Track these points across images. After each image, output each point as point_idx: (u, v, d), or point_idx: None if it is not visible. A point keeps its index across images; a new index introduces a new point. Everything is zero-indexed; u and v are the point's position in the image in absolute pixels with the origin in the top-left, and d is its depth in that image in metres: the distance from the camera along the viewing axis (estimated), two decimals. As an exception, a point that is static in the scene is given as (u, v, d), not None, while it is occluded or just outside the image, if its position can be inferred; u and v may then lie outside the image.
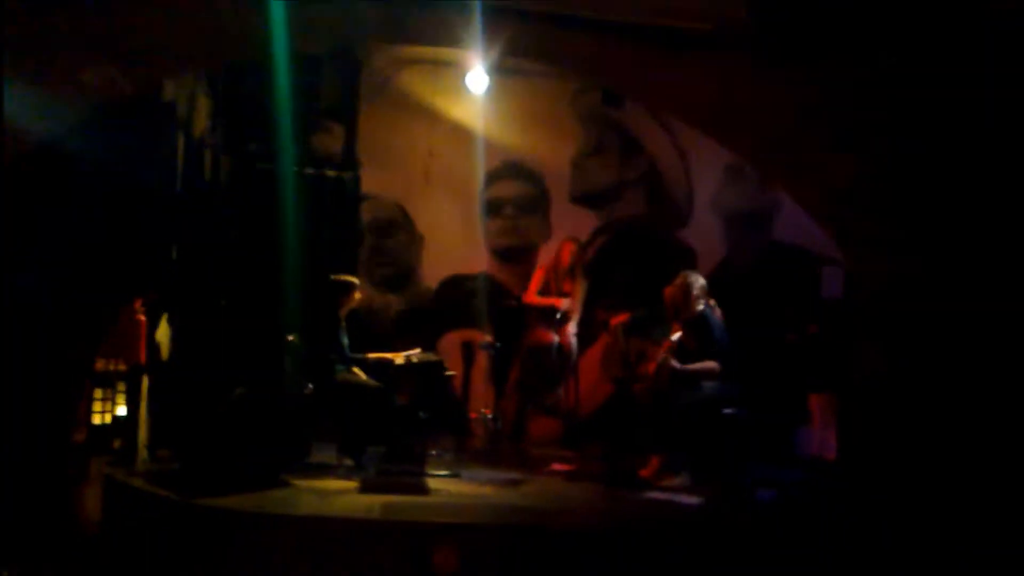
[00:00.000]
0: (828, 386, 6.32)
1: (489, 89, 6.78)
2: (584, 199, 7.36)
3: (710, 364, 5.45)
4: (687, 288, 5.63)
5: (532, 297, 6.43)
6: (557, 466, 5.87)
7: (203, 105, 6.38)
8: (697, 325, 5.57)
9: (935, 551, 4.26)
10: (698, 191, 7.34)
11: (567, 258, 6.44)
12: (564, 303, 6.34)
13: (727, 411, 5.47)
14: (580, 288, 6.49)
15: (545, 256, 6.77)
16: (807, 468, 5.37)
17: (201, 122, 6.36)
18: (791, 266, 7.17)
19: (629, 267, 7.13)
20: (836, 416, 5.97)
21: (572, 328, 6.40)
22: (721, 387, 5.48)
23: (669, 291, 6.08)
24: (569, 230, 7.09)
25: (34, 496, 4.65)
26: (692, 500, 5.09)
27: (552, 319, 6.37)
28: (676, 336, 5.54)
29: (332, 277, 5.68)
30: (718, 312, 5.61)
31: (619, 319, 6.48)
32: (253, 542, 4.25)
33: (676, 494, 5.19)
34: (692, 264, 7.03)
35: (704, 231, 7.32)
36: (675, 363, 5.47)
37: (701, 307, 5.62)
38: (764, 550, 4.41)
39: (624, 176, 7.41)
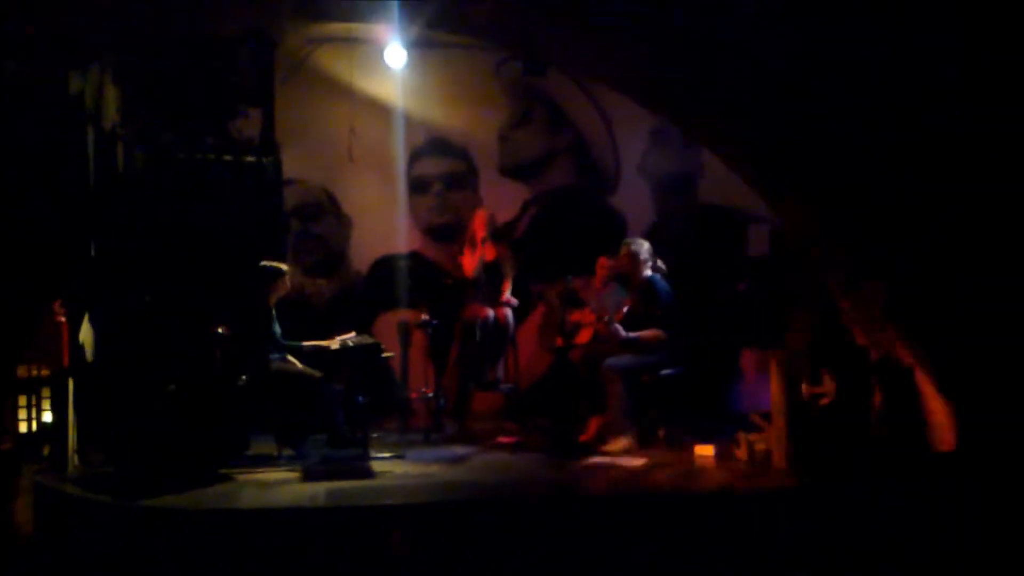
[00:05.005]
0: (759, 342, 6.48)
1: (408, 64, 6.67)
2: (513, 171, 7.32)
3: (654, 331, 5.52)
4: (633, 255, 5.69)
5: (470, 271, 6.44)
6: (501, 439, 5.90)
7: (112, 96, 6.14)
8: (644, 291, 5.64)
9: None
10: (625, 157, 7.38)
11: (480, 227, 6.47)
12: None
13: (665, 372, 5.58)
14: (507, 256, 6.51)
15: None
16: (741, 424, 5.49)
17: (111, 114, 6.12)
18: (718, 226, 7.29)
19: (561, 237, 7.15)
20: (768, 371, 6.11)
21: (507, 298, 6.41)
22: (659, 351, 5.56)
23: (607, 261, 6.14)
24: (499, 204, 7.09)
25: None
26: (635, 461, 5.18)
27: (488, 293, 6.38)
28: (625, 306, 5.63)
29: (260, 264, 5.57)
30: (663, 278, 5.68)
31: (554, 289, 6.52)
32: (195, 540, 4.18)
33: (618, 457, 5.28)
34: (622, 230, 7.11)
35: (633, 197, 7.37)
36: (619, 330, 5.52)
37: (648, 273, 5.69)
38: (704, 508, 4.52)
39: (552, 146, 7.39)
